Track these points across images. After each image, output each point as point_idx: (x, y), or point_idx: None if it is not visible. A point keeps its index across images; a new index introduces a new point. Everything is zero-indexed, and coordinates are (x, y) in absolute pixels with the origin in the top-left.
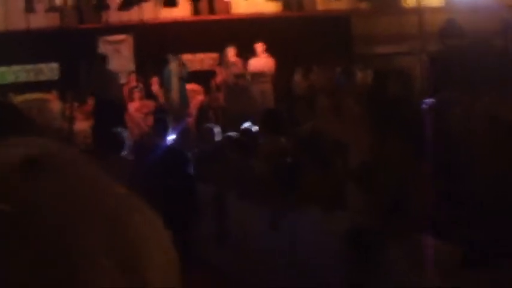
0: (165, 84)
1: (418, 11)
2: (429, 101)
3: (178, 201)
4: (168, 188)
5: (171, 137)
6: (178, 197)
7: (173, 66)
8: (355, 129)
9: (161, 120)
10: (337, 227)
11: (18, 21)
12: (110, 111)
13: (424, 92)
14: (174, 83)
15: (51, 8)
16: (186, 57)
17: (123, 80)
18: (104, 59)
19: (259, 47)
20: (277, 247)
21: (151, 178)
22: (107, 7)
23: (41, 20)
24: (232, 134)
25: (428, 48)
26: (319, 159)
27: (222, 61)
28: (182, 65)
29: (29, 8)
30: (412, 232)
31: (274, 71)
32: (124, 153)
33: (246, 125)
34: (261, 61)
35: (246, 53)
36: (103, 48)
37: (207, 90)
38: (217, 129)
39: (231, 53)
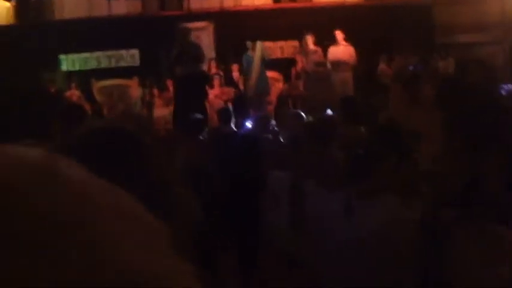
0: (244, 71)
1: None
2: (509, 87)
3: (246, 189)
4: (237, 174)
5: (250, 124)
6: (246, 184)
7: (253, 53)
8: (430, 118)
9: (241, 106)
10: (413, 215)
11: (101, 8)
12: (192, 93)
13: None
14: (255, 70)
15: None
16: (267, 44)
17: (203, 67)
18: (187, 32)
19: (339, 34)
20: (352, 235)
21: (223, 164)
22: None
23: (122, 6)
24: (312, 121)
25: (510, 37)
26: (395, 149)
27: (302, 49)
28: (262, 50)
29: None
30: (489, 222)
31: (355, 59)
32: (202, 137)
33: (327, 112)
34: (341, 49)
35: (326, 41)
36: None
37: (287, 78)
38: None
39: (310, 40)
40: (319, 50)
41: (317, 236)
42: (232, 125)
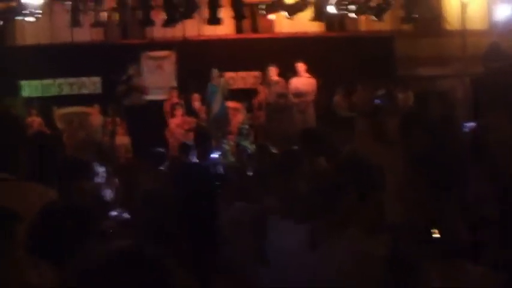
0: (206, 101)
1: (461, 33)
2: (470, 124)
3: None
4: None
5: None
6: (206, 215)
7: (216, 83)
8: (393, 152)
9: (202, 137)
10: (377, 250)
11: (63, 35)
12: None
13: (466, 115)
14: (217, 100)
15: (97, 23)
16: (229, 75)
17: (165, 96)
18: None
19: (301, 66)
20: (317, 269)
21: (183, 194)
22: (151, 23)
23: (85, 34)
24: (277, 153)
25: (471, 71)
26: (359, 182)
27: (264, 80)
28: (224, 82)
29: (75, 22)
30: (454, 257)
31: (316, 91)
32: (162, 168)
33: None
34: (303, 81)
35: (288, 72)
36: (146, 63)
37: (249, 109)
38: (250, 149)
39: (272, 72)
40: (281, 81)
41: (280, 269)
42: (193, 156)
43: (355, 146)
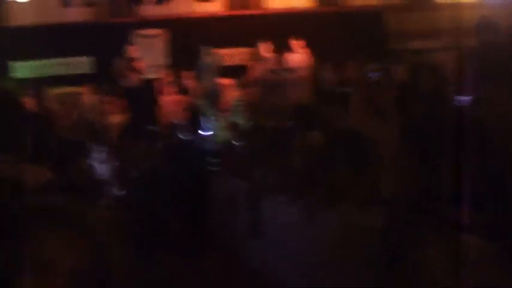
0: (198, 78)
1: (452, 6)
2: (465, 98)
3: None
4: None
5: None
6: (193, 188)
7: (207, 60)
8: (388, 126)
9: (195, 115)
10: (373, 223)
11: (53, 15)
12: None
13: (458, 88)
14: (208, 77)
15: (87, 2)
16: (220, 51)
17: (156, 75)
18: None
19: (295, 42)
20: (310, 241)
21: (173, 168)
22: (142, 1)
23: (75, 13)
24: (270, 129)
25: (462, 44)
26: (353, 155)
27: (255, 56)
28: (215, 59)
29: (65, 1)
30: (449, 229)
31: (309, 66)
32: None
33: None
34: (296, 56)
35: (280, 48)
36: (137, 42)
37: (241, 85)
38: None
39: (263, 48)
40: (274, 57)
41: (275, 243)
42: (187, 134)
43: (351, 120)
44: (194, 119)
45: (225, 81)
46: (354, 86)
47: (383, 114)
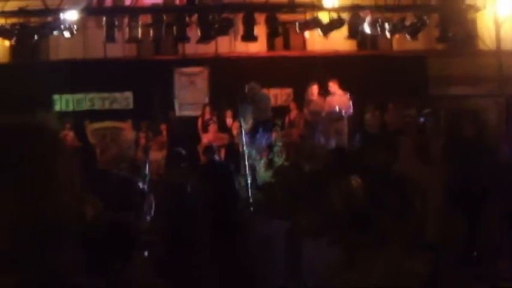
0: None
1: (495, 53)
2: None
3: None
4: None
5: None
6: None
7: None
8: (435, 173)
9: (234, 153)
10: (417, 268)
11: (97, 50)
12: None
13: (500, 135)
14: (248, 117)
15: (132, 38)
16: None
17: (197, 112)
18: None
19: (335, 84)
20: (352, 286)
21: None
22: (186, 39)
23: (118, 49)
24: (310, 171)
25: (505, 91)
26: (401, 200)
27: (305, 98)
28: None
29: (109, 37)
30: (494, 280)
31: (350, 109)
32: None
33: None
34: (337, 99)
35: (321, 90)
36: (178, 79)
37: (281, 126)
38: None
39: (313, 89)
40: (317, 99)
41: (314, 286)
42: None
43: (400, 165)
44: (234, 157)
45: None
46: (406, 131)
47: (433, 160)
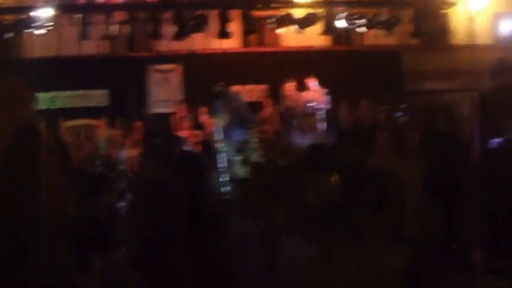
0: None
1: (469, 48)
2: (496, 141)
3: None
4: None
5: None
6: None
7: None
8: (414, 165)
9: (209, 150)
10: (395, 262)
11: (71, 48)
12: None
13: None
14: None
15: (107, 36)
16: (235, 88)
17: (172, 109)
18: None
19: (311, 80)
20: (330, 281)
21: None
22: (161, 36)
23: (92, 47)
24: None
25: (478, 85)
26: (378, 194)
27: (280, 94)
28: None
29: (84, 35)
30: (471, 268)
31: (325, 104)
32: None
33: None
34: (312, 94)
35: (296, 86)
36: (153, 76)
37: (256, 122)
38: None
39: (288, 86)
40: (292, 94)
41: (292, 283)
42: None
43: (376, 159)
44: (209, 154)
45: None
46: (383, 126)
47: (410, 154)
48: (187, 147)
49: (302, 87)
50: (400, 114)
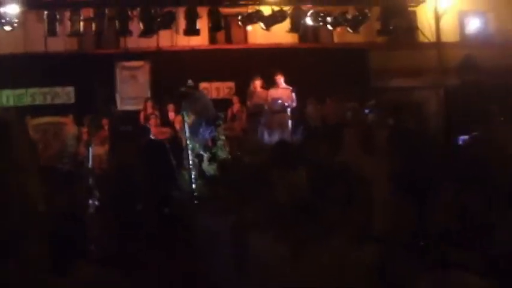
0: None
1: (435, 45)
2: (463, 138)
3: None
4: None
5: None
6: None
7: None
8: (383, 162)
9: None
10: (363, 259)
11: (37, 44)
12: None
13: (440, 126)
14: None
15: (74, 32)
16: (203, 85)
17: (139, 106)
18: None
19: (278, 77)
20: (298, 279)
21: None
22: (128, 33)
23: (59, 43)
24: (249, 164)
25: (445, 82)
26: (346, 192)
27: (248, 91)
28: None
29: (51, 31)
30: (441, 265)
31: (293, 101)
32: None
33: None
34: (280, 91)
35: (263, 83)
36: (120, 73)
37: (223, 119)
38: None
39: (257, 83)
40: (260, 91)
41: (261, 281)
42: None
43: (345, 157)
44: (176, 151)
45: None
46: (351, 123)
47: (377, 152)
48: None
49: (269, 84)
50: (368, 111)
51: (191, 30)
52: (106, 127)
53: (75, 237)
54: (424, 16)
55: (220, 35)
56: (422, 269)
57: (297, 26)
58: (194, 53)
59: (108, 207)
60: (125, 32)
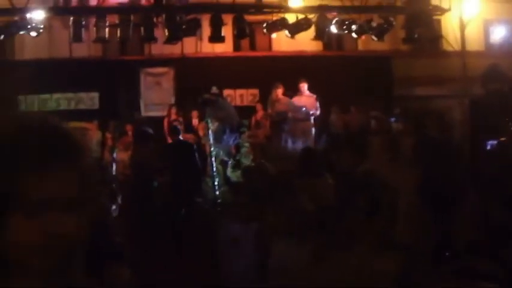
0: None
1: (460, 54)
2: (491, 142)
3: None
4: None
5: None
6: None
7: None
8: (406, 173)
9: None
10: (386, 268)
11: (62, 50)
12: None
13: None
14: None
15: (99, 39)
16: (227, 92)
17: (163, 113)
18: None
19: (303, 85)
20: (320, 285)
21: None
22: (153, 39)
23: (84, 49)
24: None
25: (469, 91)
26: (370, 201)
27: (270, 98)
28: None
29: (76, 37)
30: (461, 275)
31: (317, 109)
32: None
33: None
34: (304, 99)
35: (287, 90)
36: (144, 80)
37: (247, 126)
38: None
39: (278, 91)
40: (283, 99)
41: (284, 285)
42: None
43: (371, 165)
44: (200, 158)
45: None
46: (375, 131)
47: (404, 160)
48: (180, 137)
49: (293, 92)
50: (393, 120)
51: (216, 37)
52: (130, 133)
53: (100, 242)
54: (449, 25)
55: (245, 42)
56: (447, 279)
57: (321, 34)
58: (218, 60)
59: (130, 211)
60: (150, 38)
